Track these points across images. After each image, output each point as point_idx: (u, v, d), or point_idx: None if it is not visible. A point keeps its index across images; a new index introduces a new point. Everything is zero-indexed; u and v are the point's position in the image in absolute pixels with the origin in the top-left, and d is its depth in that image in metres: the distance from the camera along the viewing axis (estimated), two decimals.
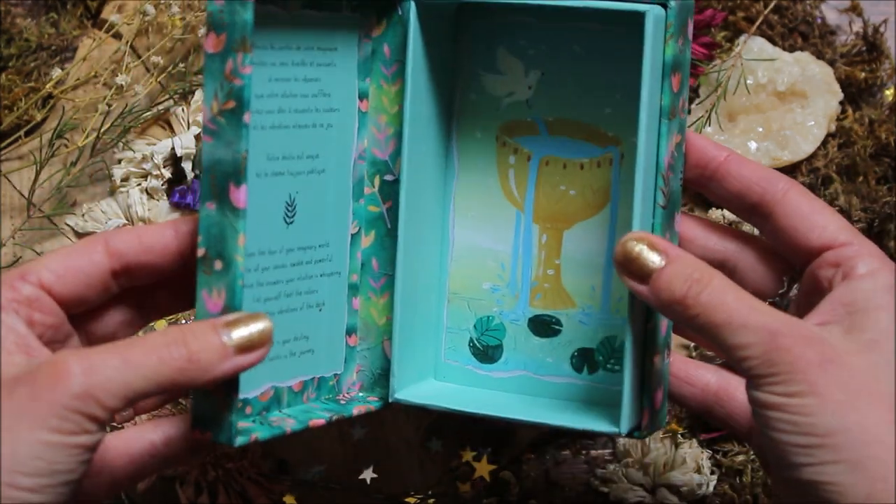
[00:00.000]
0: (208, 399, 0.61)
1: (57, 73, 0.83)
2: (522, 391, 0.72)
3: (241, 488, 0.77)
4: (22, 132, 0.83)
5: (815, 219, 0.64)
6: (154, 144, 0.82)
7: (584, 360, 0.71)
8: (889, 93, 0.87)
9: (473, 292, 0.72)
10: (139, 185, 0.82)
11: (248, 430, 0.63)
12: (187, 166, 0.81)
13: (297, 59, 0.66)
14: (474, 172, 0.72)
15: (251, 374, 0.63)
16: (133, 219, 0.81)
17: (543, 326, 0.72)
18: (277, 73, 0.65)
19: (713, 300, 0.60)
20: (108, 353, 0.57)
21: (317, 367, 0.68)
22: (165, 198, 0.82)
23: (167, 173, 0.82)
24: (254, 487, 0.77)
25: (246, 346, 0.59)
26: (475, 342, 0.72)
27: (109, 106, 0.82)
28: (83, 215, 0.82)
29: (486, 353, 0.72)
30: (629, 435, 0.66)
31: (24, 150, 0.83)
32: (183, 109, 0.83)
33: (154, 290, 0.65)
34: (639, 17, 0.64)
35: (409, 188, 0.69)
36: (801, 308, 0.64)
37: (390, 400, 0.69)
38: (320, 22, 0.67)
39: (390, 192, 0.70)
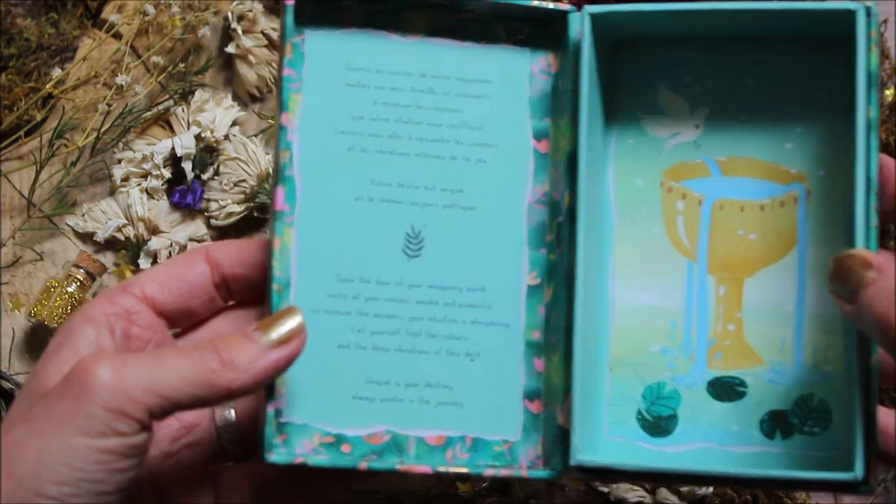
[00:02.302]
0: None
1: (57, 73, 0.83)
2: (704, 466, 0.62)
3: None
4: (22, 132, 0.83)
5: None
6: (154, 144, 0.82)
7: (776, 424, 0.63)
8: (889, 93, 0.87)
9: (640, 356, 0.64)
10: (139, 185, 0.82)
11: (300, 453, 0.60)
12: (187, 166, 0.81)
13: (422, 86, 0.64)
14: (635, 222, 0.65)
15: (356, 408, 0.61)
16: (133, 219, 0.81)
17: (726, 389, 0.64)
18: (387, 98, 0.63)
19: None
20: (138, 354, 0.56)
21: (468, 425, 0.62)
22: (165, 198, 0.82)
23: (167, 173, 0.82)
24: None
25: (280, 341, 0.57)
26: (644, 413, 0.64)
27: (109, 106, 0.82)
28: (83, 215, 0.82)
29: (658, 425, 0.64)
30: (860, 484, 0.58)
31: (24, 150, 0.83)
32: (183, 109, 0.83)
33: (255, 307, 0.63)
34: (817, 42, 0.61)
35: (586, 235, 0.62)
36: None
37: (571, 462, 0.60)
38: (459, 52, 0.64)
39: (561, 234, 0.63)
